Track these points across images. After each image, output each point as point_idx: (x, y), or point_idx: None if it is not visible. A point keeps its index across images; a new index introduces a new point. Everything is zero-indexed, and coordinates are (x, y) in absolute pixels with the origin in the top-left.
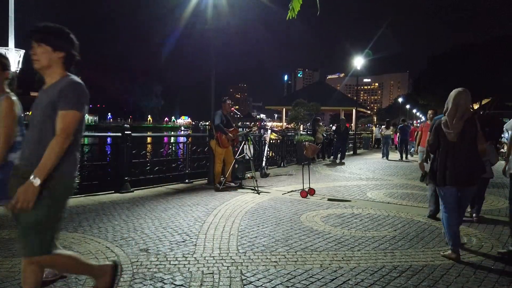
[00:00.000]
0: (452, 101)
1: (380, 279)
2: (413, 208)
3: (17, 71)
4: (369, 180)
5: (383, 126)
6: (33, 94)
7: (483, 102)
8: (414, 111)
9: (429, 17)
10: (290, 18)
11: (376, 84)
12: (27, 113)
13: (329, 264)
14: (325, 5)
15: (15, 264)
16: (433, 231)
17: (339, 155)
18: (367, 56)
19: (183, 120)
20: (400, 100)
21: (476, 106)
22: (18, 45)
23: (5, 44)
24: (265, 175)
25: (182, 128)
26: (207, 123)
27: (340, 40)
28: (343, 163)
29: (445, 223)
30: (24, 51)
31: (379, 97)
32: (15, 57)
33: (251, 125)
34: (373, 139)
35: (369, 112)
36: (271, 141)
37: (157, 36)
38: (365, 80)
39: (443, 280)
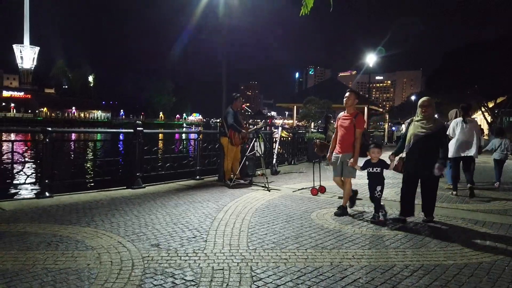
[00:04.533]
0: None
1: (391, 278)
2: None
3: (32, 68)
4: None
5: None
6: (47, 90)
7: (498, 100)
8: None
9: (443, 14)
10: (303, 14)
11: (389, 81)
12: (41, 109)
13: (340, 262)
14: (337, 1)
15: (29, 257)
16: (446, 231)
17: None
18: (380, 53)
19: (194, 117)
20: (413, 98)
21: (491, 105)
22: (32, 42)
23: (21, 42)
24: (275, 173)
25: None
26: (218, 120)
27: (353, 37)
28: None
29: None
30: (38, 48)
31: (391, 94)
32: (30, 54)
33: (258, 121)
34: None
35: (381, 110)
36: (282, 138)
37: (169, 33)
38: (378, 77)
39: (456, 280)
